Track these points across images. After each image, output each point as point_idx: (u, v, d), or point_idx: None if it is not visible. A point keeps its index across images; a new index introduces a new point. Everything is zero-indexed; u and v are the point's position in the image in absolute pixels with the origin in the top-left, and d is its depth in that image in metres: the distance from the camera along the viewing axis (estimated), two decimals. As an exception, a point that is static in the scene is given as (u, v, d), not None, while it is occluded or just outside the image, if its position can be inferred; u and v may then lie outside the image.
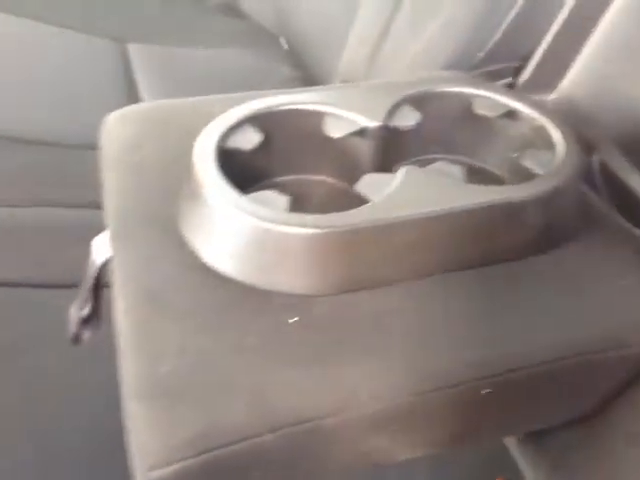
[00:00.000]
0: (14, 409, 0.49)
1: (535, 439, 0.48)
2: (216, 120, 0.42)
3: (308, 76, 1.04)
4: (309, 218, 0.35)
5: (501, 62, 0.61)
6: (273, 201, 0.37)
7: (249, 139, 0.42)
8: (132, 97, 0.96)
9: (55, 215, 0.74)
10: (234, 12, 1.24)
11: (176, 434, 0.30)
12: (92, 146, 0.84)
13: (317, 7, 0.93)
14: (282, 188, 0.44)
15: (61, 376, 0.51)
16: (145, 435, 0.31)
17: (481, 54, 0.60)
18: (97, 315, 0.43)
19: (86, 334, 0.44)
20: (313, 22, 0.94)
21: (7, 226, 0.68)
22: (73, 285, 0.46)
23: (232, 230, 0.36)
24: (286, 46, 1.13)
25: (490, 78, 0.61)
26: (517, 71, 0.62)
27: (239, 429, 0.31)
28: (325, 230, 0.35)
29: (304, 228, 0.35)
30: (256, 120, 0.43)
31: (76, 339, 0.44)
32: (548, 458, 0.47)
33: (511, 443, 0.52)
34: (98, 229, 0.44)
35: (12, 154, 0.81)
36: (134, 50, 1.05)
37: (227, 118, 0.42)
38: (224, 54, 1.10)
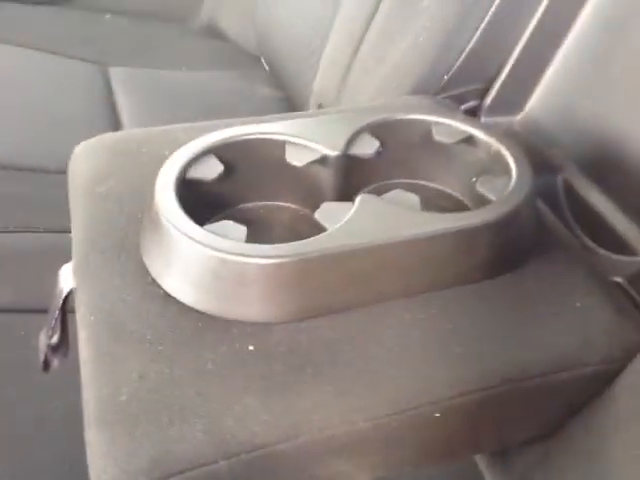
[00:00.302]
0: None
1: (501, 456, 0.49)
2: (179, 151, 0.43)
3: (289, 97, 1.06)
4: (264, 248, 0.36)
5: (467, 85, 0.63)
6: (231, 231, 0.38)
7: (212, 169, 0.43)
8: (114, 121, 0.97)
9: (36, 240, 0.74)
10: (215, 34, 1.26)
11: (132, 460, 0.31)
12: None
13: (293, 30, 0.95)
14: (246, 215, 0.45)
15: (30, 402, 0.52)
16: (102, 461, 0.31)
17: (447, 77, 0.61)
18: (65, 342, 0.44)
19: (55, 361, 0.45)
20: (290, 44, 0.96)
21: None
22: (38, 310, 0.47)
23: (190, 261, 0.37)
24: (267, 67, 1.14)
25: (457, 101, 0.63)
26: (483, 93, 0.64)
27: (194, 456, 0.32)
28: (279, 260, 0.36)
29: (259, 258, 0.36)
30: (219, 150, 0.44)
31: (46, 366, 0.45)
32: (513, 475, 0.48)
33: (480, 459, 0.53)
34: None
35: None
36: (115, 73, 1.07)
37: (190, 148, 0.43)
38: (206, 76, 1.11)
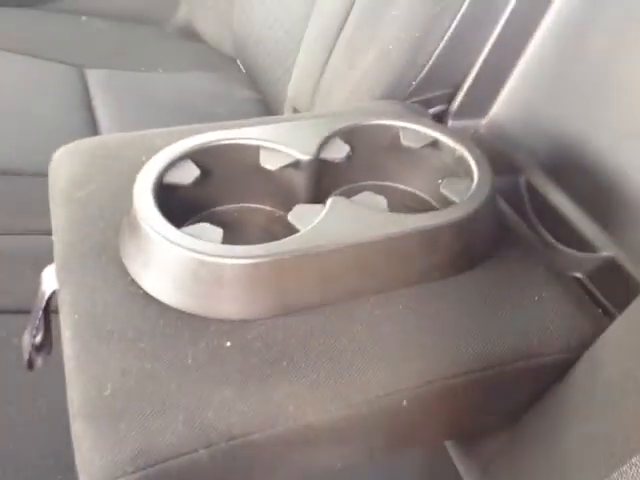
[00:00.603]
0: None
1: (469, 442, 0.52)
2: (157, 155, 0.45)
3: (265, 99, 1.07)
4: (240, 249, 0.38)
5: (435, 90, 0.65)
6: (207, 233, 0.40)
7: (188, 173, 0.45)
8: (91, 122, 0.98)
9: (16, 242, 0.75)
10: (192, 36, 1.27)
11: (118, 451, 0.33)
12: (45, 174, 0.86)
13: (269, 33, 0.97)
14: (222, 217, 0.47)
15: (14, 399, 0.53)
16: (89, 453, 0.33)
17: (415, 83, 0.64)
18: (49, 341, 0.46)
19: (39, 360, 0.46)
20: (266, 48, 0.98)
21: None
22: (17, 311, 0.48)
23: (169, 262, 0.39)
24: (243, 69, 1.16)
25: (425, 105, 0.66)
26: (450, 98, 0.66)
27: (176, 445, 0.34)
28: (254, 260, 0.38)
29: (235, 259, 0.38)
30: (195, 154, 0.46)
31: (30, 364, 0.46)
32: (479, 463, 0.50)
33: (449, 445, 0.55)
34: (34, 254, 0.46)
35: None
36: (92, 75, 1.07)
37: (167, 153, 0.45)
38: (183, 77, 1.12)
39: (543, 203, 0.60)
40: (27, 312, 0.50)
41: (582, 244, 0.56)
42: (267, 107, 1.07)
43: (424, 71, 0.63)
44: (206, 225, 0.40)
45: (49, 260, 0.46)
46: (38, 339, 0.45)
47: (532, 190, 0.61)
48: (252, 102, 1.10)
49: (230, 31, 1.19)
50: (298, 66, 0.77)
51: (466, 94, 0.65)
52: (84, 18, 1.22)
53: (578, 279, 0.53)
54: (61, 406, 0.38)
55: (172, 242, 0.38)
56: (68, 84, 1.05)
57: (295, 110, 0.77)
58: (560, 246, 0.57)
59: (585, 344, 0.42)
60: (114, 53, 1.16)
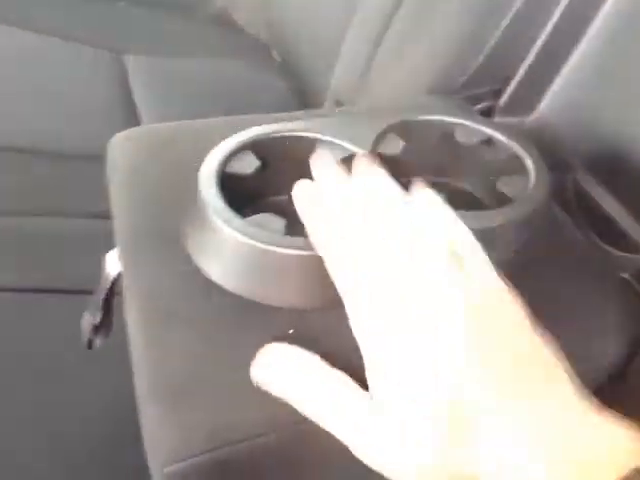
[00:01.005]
0: (28, 412, 0.53)
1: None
2: (218, 146, 0.46)
3: (300, 89, 1.08)
4: (302, 241, 0.39)
5: (482, 86, 0.66)
6: (271, 224, 0.41)
7: (249, 163, 0.46)
8: (131, 108, 1.00)
9: (55, 224, 0.77)
10: (226, 23, 1.27)
11: (189, 433, 0.34)
12: (89, 157, 0.88)
13: (308, 24, 0.97)
14: (278, 208, 0.48)
15: (74, 379, 0.55)
16: (160, 433, 0.34)
17: (463, 79, 0.64)
18: (109, 323, 0.47)
19: (98, 340, 0.47)
20: (304, 39, 0.98)
21: (14, 235, 0.72)
22: (71, 291, 0.50)
23: (234, 250, 0.40)
24: (278, 58, 1.16)
25: (470, 102, 0.66)
26: (496, 94, 0.66)
27: (246, 428, 0.35)
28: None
29: (300, 250, 0.39)
30: (255, 145, 0.46)
31: (89, 345, 0.48)
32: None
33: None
34: (94, 238, 0.47)
35: (13, 165, 0.84)
36: (130, 61, 1.09)
37: (229, 144, 0.46)
38: (218, 65, 1.13)
39: (589, 203, 0.60)
40: (79, 293, 0.51)
41: (628, 245, 0.56)
42: (303, 98, 1.07)
43: (473, 67, 0.63)
44: (269, 215, 0.41)
45: (101, 243, 0.47)
46: (98, 319, 0.46)
47: (578, 189, 0.61)
48: (287, 91, 1.10)
49: (266, 19, 1.19)
50: (342, 58, 0.78)
51: (514, 91, 0.65)
52: (122, 3, 1.23)
53: (625, 279, 0.53)
54: (122, 388, 0.39)
55: (238, 231, 0.39)
56: (108, 69, 1.06)
57: (338, 102, 0.77)
58: (606, 247, 0.58)
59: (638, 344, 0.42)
60: (151, 39, 1.18)
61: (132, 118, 0.97)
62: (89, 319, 0.46)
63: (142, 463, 0.34)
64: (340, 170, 0.40)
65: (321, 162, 0.42)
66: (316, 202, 0.39)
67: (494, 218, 0.42)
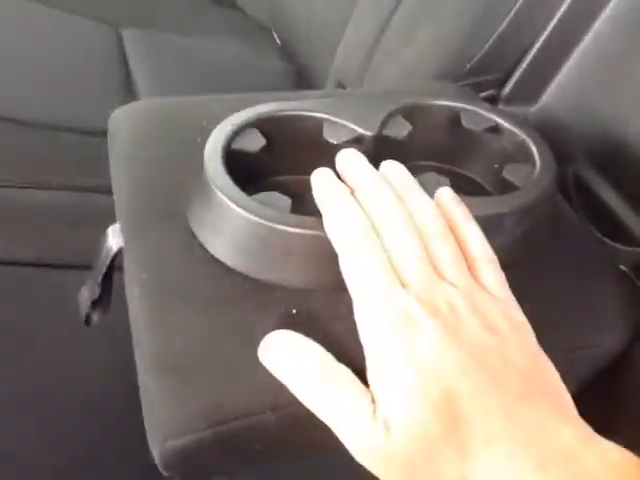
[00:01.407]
0: (30, 383, 0.52)
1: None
2: (224, 122, 0.45)
3: (300, 70, 1.07)
4: (310, 220, 0.39)
5: (487, 74, 0.65)
6: (276, 202, 0.40)
7: (255, 141, 0.45)
8: (127, 82, 0.99)
9: (50, 197, 0.76)
10: (227, 3, 1.26)
11: (189, 407, 0.34)
12: (85, 130, 0.87)
13: (306, 5, 0.96)
14: (283, 187, 0.47)
15: (75, 352, 0.54)
16: (160, 408, 0.34)
17: (469, 66, 0.64)
18: (107, 298, 0.47)
19: (95, 316, 0.47)
20: (305, 20, 0.97)
21: (8, 207, 0.71)
22: (69, 266, 0.49)
23: (239, 228, 0.39)
24: (278, 40, 1.15)
25: (475, 89, 0.65)
26: (501, 83, 0.66)
27: (245, 406, 0.35)
28: (322, 232, 0.38)
29: (304, 229, 0.38)
30: (261, 123, 0.46)
31: (87, 320, 0.47)
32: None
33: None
34: (93, 213, 0.47)
35: (9, 136, 0.83)
36: (128, 35, 1.07)
37: (234, 120, 0.45)
38: (217, 44, 1.12)
39: (589, 195, 0.60)
40: (81, 267, 0.51)
41: (627, 238, 0.56)
42: (302, 79, 1.06)
43: (480, 54, 0.63)
44: (275, 193, 0.41)
45: (103, 217, 0.46)
46: (96, 294, 0.46)
47: (579, 181, 0.61)
48: (286, 74, 1.09)
49: (267, 1, 1.18)
50: (347, 40, 0.77)
51: (518, 80, 0.65)
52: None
53: (624, 271, 0.54)
54: (121, 362, 0.39)
55: (244, 208, 0.39)
56: (105, 42, 1.05)
57: (340, 85, 0.77)
58: (605, 239, 0.58)
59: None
60: (149, 15, 1.16)
61: (129, 92, 0.96)
62: (88, 294, 0.45)
63: (141, 437, 0.34)
64: (371, 166, 0.41)
65: (350, 156, 0.42)
66: (337, 188, 0.38)
67: (500, 205, 0.42)
